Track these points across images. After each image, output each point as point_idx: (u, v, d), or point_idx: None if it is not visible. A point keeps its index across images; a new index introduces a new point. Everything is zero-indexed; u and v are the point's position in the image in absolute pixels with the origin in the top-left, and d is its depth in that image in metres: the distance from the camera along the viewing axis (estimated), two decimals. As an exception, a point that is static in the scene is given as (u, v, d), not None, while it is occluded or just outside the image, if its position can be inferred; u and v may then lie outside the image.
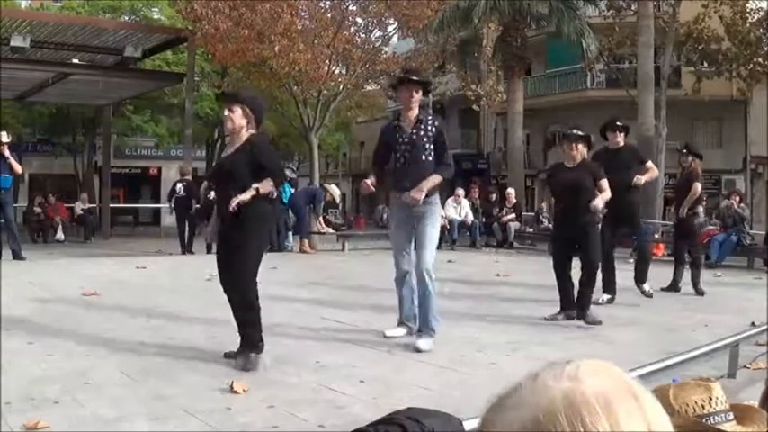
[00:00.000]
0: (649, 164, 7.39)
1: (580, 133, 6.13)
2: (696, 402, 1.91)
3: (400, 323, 5.14)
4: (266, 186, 4.24)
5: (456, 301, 6.35)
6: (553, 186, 6.30)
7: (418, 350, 4.66)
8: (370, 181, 5.01)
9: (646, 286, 7.21)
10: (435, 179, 4.87)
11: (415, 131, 4.89)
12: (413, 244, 5.02)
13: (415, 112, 4.95)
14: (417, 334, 4.91)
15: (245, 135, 4.32)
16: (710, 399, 1.93)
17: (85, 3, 24.66)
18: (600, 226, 6.22)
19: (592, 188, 5.94)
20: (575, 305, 5.87)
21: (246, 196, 4.10)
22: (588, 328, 5.63)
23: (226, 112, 4.33)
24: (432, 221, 4.95)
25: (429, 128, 4.90)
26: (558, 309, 5.94)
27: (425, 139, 4.88)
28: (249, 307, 4.19)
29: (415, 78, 5.02)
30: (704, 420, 1.88)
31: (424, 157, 4.87)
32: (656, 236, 13.73)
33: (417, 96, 4.95)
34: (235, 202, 4.06)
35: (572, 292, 5.92)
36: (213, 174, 4.42)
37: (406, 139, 4.90)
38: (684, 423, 1.81)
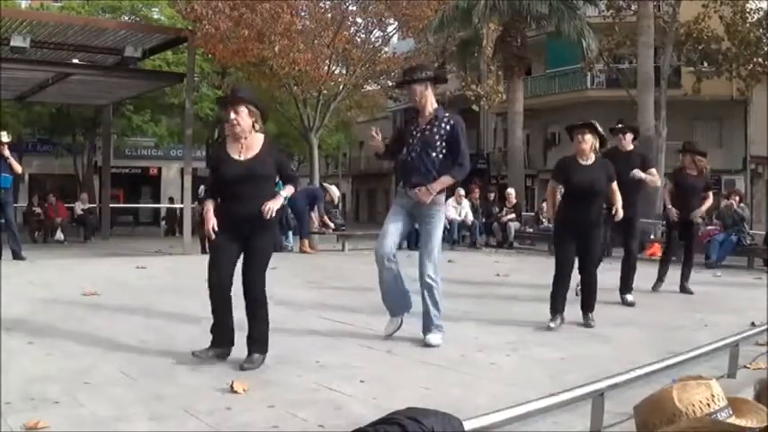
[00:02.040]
0: (653, 171, 7.20)
1: (582, 123, 5.86)
2: (701, 402, 1.93)
3: (392, 315, 5.03)
4: (290, 193, 4.39)
5: (456, 301, 6.35)
6: (567, 184, 5.86)
7: (430, 345, 4.77)
8: (378, 136, 4.98)
9: (629, 297, 6.93)
10: (446, 180, 4.83)
11: (428, 127, 4.85)
12: (400, 235, 4.98)
13: (429, 108, 4.88)
14: (425, 330, 4.91)
15: (258, 136, 4.26)
16: (713, 397, 1.95)
17: (85, 3, 24.67)
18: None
19: (606, 190, 5.81)
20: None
21: (278, 204, 4.17)
22: (588, 328, 5.63)
23: (232, 115, 4.17)
24: (436, 223, 4.90)
25: (443, 125, 4.84)
26: (554, 314, 5.65)
27: (437, 137, 4.82)
28: (264, 303, 4.25)
29: (413, 78, 4.91)
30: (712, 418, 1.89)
31: (434, 155, 4.81)
32: (652, 236, 13.76)
33: (426, 93, 4.87)
34: (272, 209, 4.11)
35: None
36: (240, 176, 4.16)
37: (418, 134, 4.88)
38: (700, 425, 1.82)
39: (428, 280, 4.83)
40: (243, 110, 4.19)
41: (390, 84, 18.81)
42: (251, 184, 4.16)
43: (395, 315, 5.04)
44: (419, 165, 4.82)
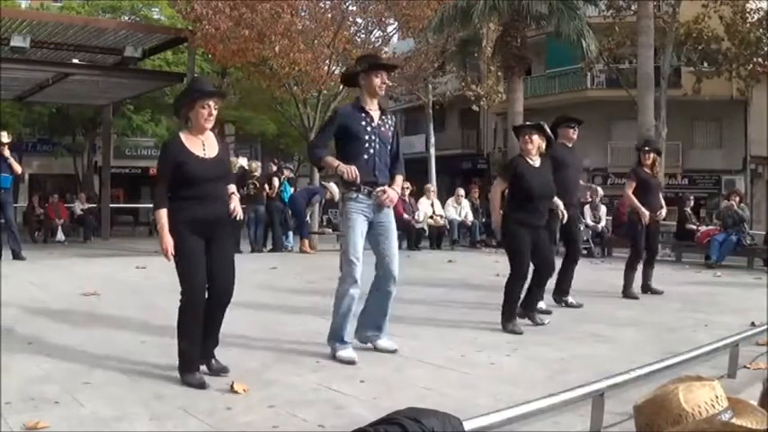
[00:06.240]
0: None
1: (530, 123, 5.82)
2: (707, 403, 1.93)
3: (345, 342, 4.54)
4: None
5: (456, 302, 6.35)
6: (519, 186, 5.56)
7: (395, 351, 4.59)
8: (353, 169, 4.31)
9: (570, 298, 6.84)
10: (400, 180, 4.61)
11: (381, 122, 4.48)
12: None
13: (378, 101, 4.55)
14: (379, 337, 4.71)
15: (209, 133, 3.97)
16: (717, 398, 1.95)
17: (85, 3, 24.65)
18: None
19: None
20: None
21: (238, 203, 4.04)
22: (586, 328, 5.63)
23: (215, 110, 3.89)
24: (393, 222, 4.64)
25: (390, 118, 4.59)
26: (524, 311, 5.71)
27: (391, 132, 4.53)
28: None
29: (388, 63, 4.73)
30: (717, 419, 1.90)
31: (389, 151, 4.52)
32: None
33: (386, 83, 4.55)
34: (238, 209, 4.00)
35: None
36: (210, 175, 3.86)
37: (375, 130, 4.44)
38: (708, 426, 1.82)
39: (396, 281, 4.60)
40: (216, 104, 3.91)
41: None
42: (218, 182, 3.92)
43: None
44: (380, 163, 4.44)
